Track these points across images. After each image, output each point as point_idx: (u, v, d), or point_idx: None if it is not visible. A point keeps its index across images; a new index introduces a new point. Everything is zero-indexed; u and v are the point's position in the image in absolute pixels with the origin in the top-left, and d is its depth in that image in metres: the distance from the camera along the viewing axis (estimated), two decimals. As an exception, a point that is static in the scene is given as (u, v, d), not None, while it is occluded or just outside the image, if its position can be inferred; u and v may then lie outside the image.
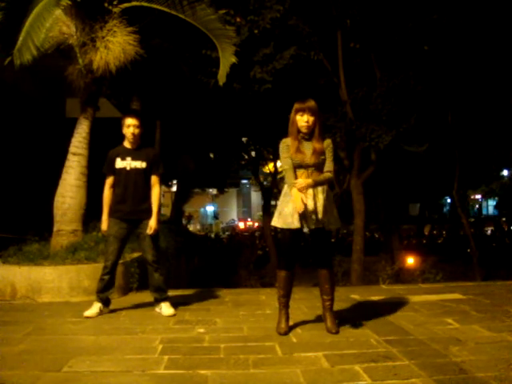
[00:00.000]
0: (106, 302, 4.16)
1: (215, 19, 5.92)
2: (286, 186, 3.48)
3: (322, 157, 3.42)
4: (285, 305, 3.57)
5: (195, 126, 12.76)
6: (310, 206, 3.35)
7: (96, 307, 4.08)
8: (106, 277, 4.11)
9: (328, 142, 3.49)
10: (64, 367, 2.78)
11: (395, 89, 9.05)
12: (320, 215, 3.36)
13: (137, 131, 4.11)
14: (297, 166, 3.41)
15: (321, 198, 3.39)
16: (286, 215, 3.39)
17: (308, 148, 3.41)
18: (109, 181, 4.17)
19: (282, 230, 3.45)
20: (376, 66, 9.50)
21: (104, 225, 4.15)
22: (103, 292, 4.12)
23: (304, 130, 3.41)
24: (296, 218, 3.34)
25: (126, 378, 2.65)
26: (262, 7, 8.36)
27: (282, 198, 3.49)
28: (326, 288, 3.55)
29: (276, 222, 3.45)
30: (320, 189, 3.41)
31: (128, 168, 4.09)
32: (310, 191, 3.37)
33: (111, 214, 4.14)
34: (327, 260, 3.57)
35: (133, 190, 4.09)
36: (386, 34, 9.16)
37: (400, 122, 9.03)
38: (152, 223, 4.10)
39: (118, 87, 8.44)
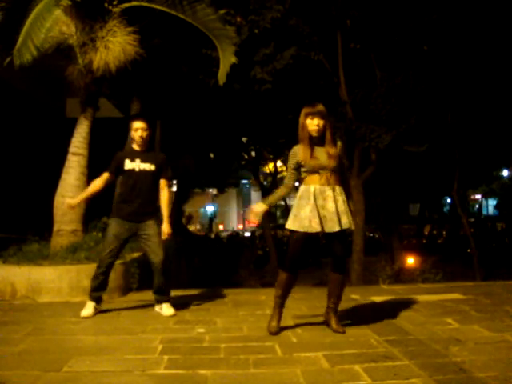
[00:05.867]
0: (98, 300, 4.16)
1: (215, 19, 5.92)
2: (302, 189, 3.45)
3: (338, 160, 3.44)
4: (280, 305, 3.55)
5: (195, 126, 12.77)
6: (332, 208, 3.34)
7: (91, 306, 4.08)
8: (101, 276, 4.10)
9: (339, 144, 3.53)
10: (64, 367, 2.78)
11: (395, 89, 9.05)
12: (342, 217, 3.36)
13: (145, 134, 4.14)
14: (312, 171, 3.38)
15: (340, 199, 3.39)
16: (303, 218, 3.34)
17: (321, 152, 3.40)
18: (105, 177, 4.16)
19: (295, 232, 3.39)
20: (376, 66, 9.49)
21: (71, 202, 4.43)
22: (97, 291, 4.13)
23: (315, 134, 3.40)
24: (316, 221, 3.31)
25: (126, 378, 2.65)
26: (262, 7, 8.36)
27: (297, 200, 3.44)
28: (336, 292, 3.55)
29: (291, 224, 3.40)
30: (338, 190, 3.41)
31: (137, 169, 4.11)
32: (330, 193, 3.37)
33: (115, 214, 4.15)
34: (343, 264, 3.54)
35: (140, 191, 4.10)
36: (385, 34, 9.16)
37: (400, 122, 9.03)
38: (165, 228, 4.12)
39: (118, 87, 8.44)
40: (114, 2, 5.65)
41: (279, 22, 8.51)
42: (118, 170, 4.15)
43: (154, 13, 5.95)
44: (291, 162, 3.47)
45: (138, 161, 4.11)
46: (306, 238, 3.38)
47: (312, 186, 3.38)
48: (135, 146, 4.19)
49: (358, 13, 9.09)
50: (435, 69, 9.56)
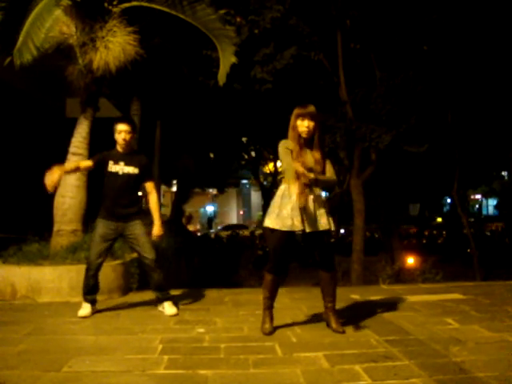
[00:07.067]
0: (92, 302, 4.18)
1: (215, 19, 5.92)
2: (282, 187, 3.45)
3: (323, 165, 3.45)
4: (269, 306, 3.56)
5: (195, 126, 12.78)
6: (311, 208, 3.36)
7: (87, 307, 4.11)
8: (92, 279, 4.11)
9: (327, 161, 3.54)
10: (64, 367, 2.78)
11: (395, 89, 9.05)
12: (320, 218, 3.39)
13: (128, 137, 4.14)
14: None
15: (318, 201, 3.42)
16: (285, 217, 3.35)
17: (308, 154, 3.42)
18: (87, 163, 4.27)
19: (277, 232, 3.38)
20: (376, 66, 9.49)
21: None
22: (90, 294, 4.14)
23: (304, 135, 3.42)
24: (298, 219, 3.33)
25: (126, 378, 2.65)
26: (262, 7, 8.37)
27: (277, 199, 3.44)
28: (329, 290, 3.56)
29: (273, 223, 3.39)
30: (318, 192, 3.44)
31: (120, 173, 4.12)
32: (310, 194, 3.39)
33: (101, 215, 4.16)
34: (330, 263, 3.55)
35: (123, 194, 4.12)
36: (385, 34, 9.16)
37: (400, 122, 9.02)
38: (156, 230, 4.18)
39: (118, 87, 8.45)
40: (114, 2, 5.65)
41: (279, 21, 8.52)
42: (99, 165, 4.14)
43: (154, 13, 5.95)
44: (283, 147, 3.43)
45: (121, 164, 4.12)
46: (288, 236, 3.39)
47: (293, 185, 3.39)
48: (119, 149, 4.19)
49: (357, 13, 9.09)
50: (435, 69, 9.56)
